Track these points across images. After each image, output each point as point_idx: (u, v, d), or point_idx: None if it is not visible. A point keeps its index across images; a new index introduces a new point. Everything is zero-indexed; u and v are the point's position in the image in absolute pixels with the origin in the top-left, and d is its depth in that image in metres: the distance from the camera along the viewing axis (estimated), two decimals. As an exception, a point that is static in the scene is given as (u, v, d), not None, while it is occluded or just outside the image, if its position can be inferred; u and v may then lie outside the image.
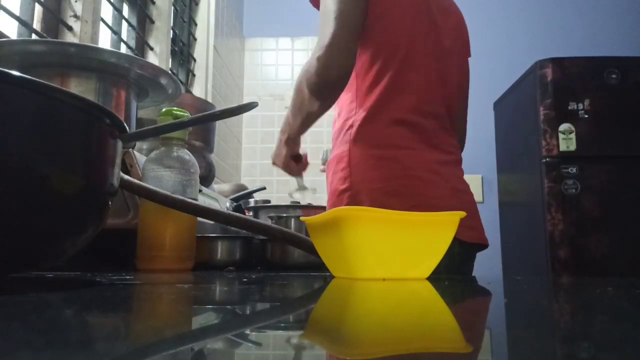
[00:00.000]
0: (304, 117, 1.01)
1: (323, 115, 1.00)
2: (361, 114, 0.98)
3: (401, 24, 0.99)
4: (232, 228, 0.71)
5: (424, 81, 1.00)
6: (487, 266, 2.32)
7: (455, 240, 0.94)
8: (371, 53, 0.98)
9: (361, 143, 0.97)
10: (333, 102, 0.98)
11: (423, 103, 0.99)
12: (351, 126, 1.00)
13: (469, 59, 1.15)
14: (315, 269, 0.73)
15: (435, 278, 0.51)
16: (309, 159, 1.17)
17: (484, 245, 1.03)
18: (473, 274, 1.03)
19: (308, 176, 1.20)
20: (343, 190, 0.97)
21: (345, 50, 0.91)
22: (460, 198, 0.99)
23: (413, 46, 0.99)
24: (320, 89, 0.93)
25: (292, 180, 1.21)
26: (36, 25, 1.19)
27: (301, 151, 1.12)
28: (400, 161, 0.95)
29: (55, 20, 1.24)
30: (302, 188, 1.18)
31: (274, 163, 1.14)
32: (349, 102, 1.02)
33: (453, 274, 0.93)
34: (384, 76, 0.97)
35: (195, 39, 2.19)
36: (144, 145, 1.00)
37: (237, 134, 2.61)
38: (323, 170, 1.23)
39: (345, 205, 0.95)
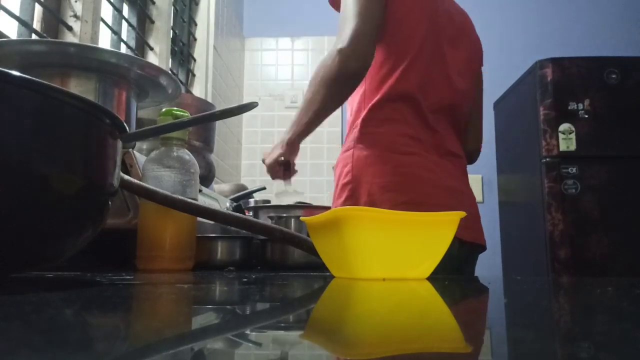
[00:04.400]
0: (312, 112, 1.02)
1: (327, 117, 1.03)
2: (366, 115, 1.02)
3: (413, 31, 1.02)
4: (232, 228, 0.71)
5: (427, 86, 1.02)
6: (487, 266, 2.32)
7: (455, 239, 0.95)
8: (382, 56, 1.02)
9: (364, 142, 1.02)
10: (344, 98, 1.01)
11: (425, 107, 1.02)
12: (357, 125, 1.04)
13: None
14: (315, 269, 0.73)
15: (435, 278, 0.51)
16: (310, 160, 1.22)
17: (481, 247, 1.04)
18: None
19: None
20: (345, 183, 1.02)
21: (366, 45, 0.94)
22: (458, 198, 1.00)
23: (420, 52, 1.02)
24: (338, 81, 0.95)
25: (276, 183, 1.22)
26: (36, 25, 1.19)
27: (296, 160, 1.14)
28: (400, 160, 0.99)
29: (55, 20, 1.24)
30: (284, 192, 1.19)
31: (263, 160, 1.17)
32: (357, 102, 1.05)
33: (453, 274, 0.93)
34: (389, 78, 1.01)
35: (195, 39, 2.19)
36: (144, 145, 1.00)
37: (237, 134, 2.61)
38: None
39: (346, 197, 1.00)
